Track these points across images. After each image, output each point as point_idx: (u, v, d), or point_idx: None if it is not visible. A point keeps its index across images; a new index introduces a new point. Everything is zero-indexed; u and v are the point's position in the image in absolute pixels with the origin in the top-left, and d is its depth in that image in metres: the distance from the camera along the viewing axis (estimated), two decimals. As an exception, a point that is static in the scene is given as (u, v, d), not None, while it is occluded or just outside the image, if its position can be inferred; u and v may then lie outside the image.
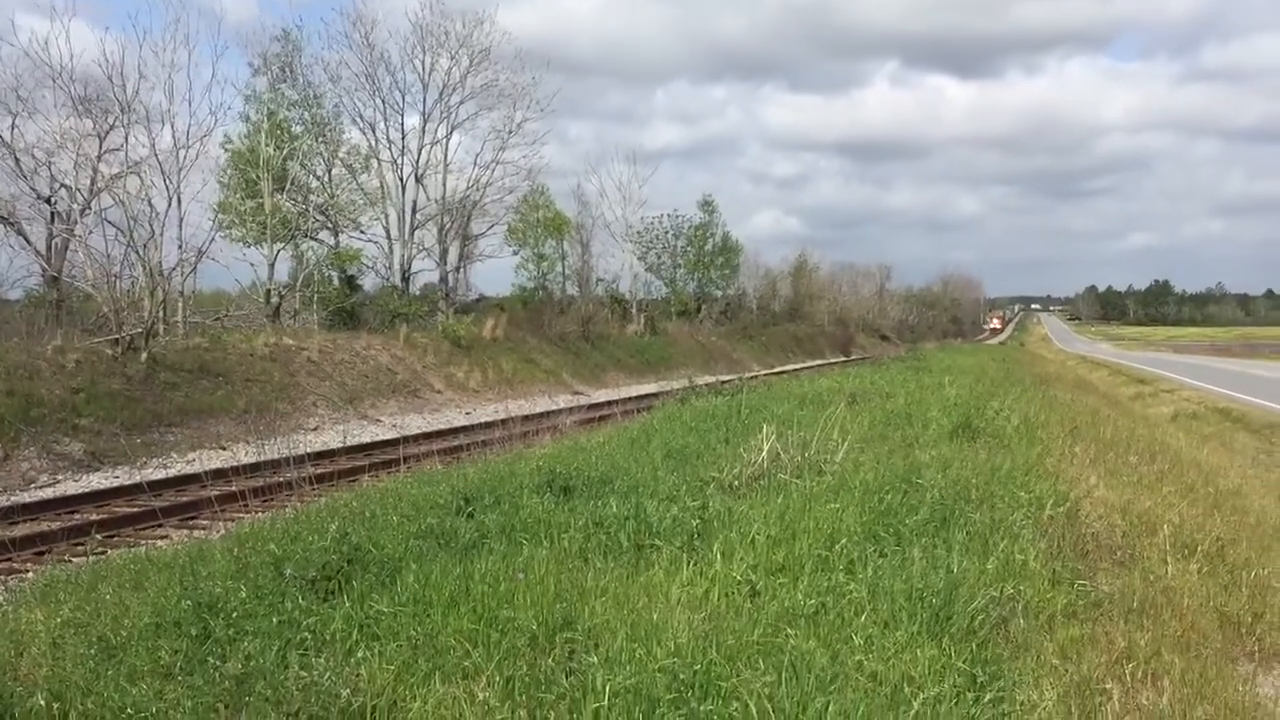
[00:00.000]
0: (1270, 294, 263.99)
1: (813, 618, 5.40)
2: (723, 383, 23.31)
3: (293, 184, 34.77)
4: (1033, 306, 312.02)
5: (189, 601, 5.56)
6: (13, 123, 25.15)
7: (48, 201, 25.85)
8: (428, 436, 21.68)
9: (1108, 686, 5.12)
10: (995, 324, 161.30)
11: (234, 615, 5.34)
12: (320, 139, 36.49)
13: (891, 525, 7.00)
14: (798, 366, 52.58)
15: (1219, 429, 23.26)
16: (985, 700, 4.66)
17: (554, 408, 26.62)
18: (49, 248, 26.08)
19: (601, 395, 33.72)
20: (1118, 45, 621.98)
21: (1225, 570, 7.45)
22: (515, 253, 46.12)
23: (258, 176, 32.71)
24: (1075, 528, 7.66)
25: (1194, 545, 7.79)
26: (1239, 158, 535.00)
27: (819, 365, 52.97)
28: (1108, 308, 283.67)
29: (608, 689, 4.43)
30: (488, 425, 21.83)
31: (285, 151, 33.91)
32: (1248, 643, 6.21)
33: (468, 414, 27.80)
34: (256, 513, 10.70)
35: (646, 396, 29.50)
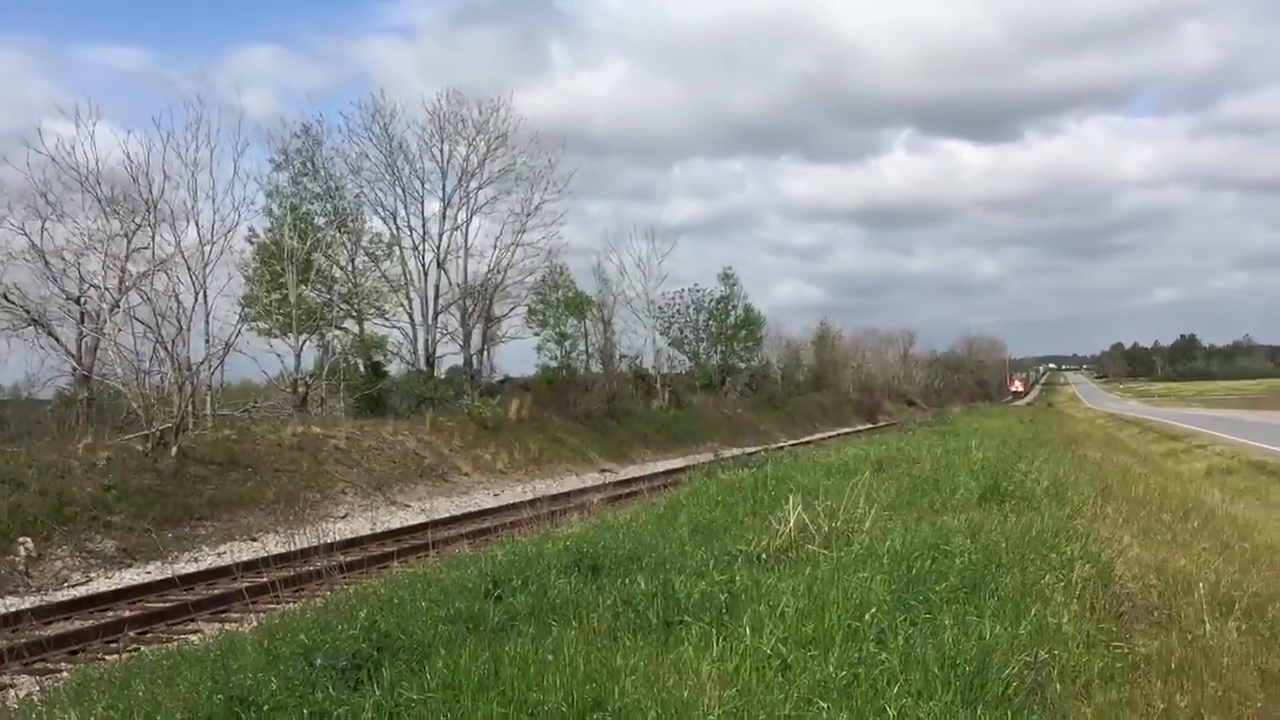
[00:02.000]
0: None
1: (845, 690, 5.35)
2: (749, 455, 23.27)
3: (317, 274, 35.31)
4: (1057, 367, 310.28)
5: (221, 695, 5.56)
6: (42, 226, 25.73)
7: (77, 302, 26.31)
8: (456, 520, 21.70)
9: (1148, 751, 5.05)
10: (1018, 386, 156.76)
11: (265, 708, 5.34)
12: (342, 229, 37.11)
13: (921, 593, 6.95)
14: (824, 435, 52.41)
15: (1254, 483, 22.93)
16: (1023, 769, 4.60)
17: (581, 486, 26.56)
18: (79, 347, 26.49)
19: (629, 472, 33.66)
20: (1135, 102, 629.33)
21: (1265, 627, 7.30)
22: (537, 333, 46.42)
23: (282, 269, 33.25)
24: (1109, 589, 7.57)
25: (1232, 603, 7.66)
26: (1260, 209, 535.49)
27: (845, 433, 52.79)
28: (1135, 365, 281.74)
29: (640, 770, 4.41)
30: (515, 506, 21.84)
31: (309, 243, 34.47)
32: (1291, 701, 6.09)
33: (496, 495, 27.81)
34: (287, 603, 10.72)
35: (674, 471, 29.44)
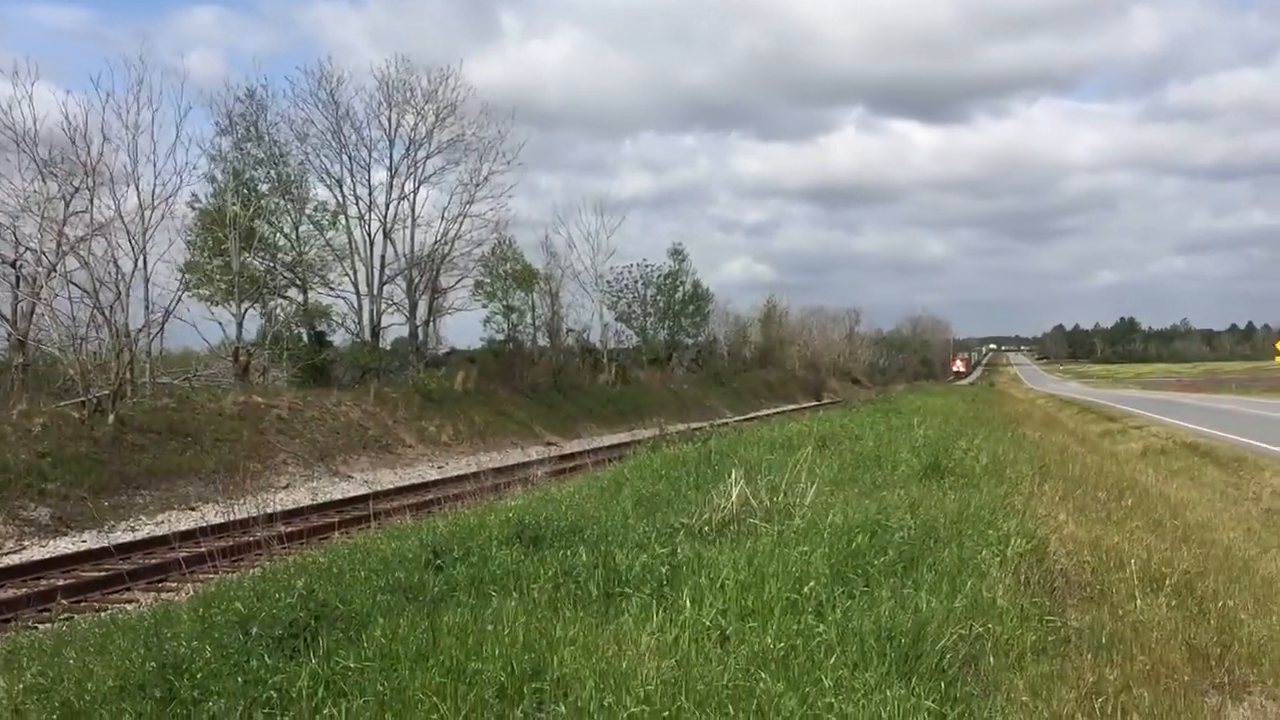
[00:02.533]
0: (1234, 329, 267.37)
1: (783, 661, 5.38)
2: (694, 430, 23.34)
3: (260, 242, 34.74)
4: (1003, 347, 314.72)
5: (154, 663, 5.49)
6: (-25, 188, 25.03)
7: (13, 265, 25.65)
8: (399, 491, 21.58)
9: (1078, 722, 5.13)
10: (959, 366, 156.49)
11: (199, 676, 5.28)
12: (287, 196, 36.49)
13: (860, 566, 7.01)
14: (769, 412, 52.70)
15: (1187, 464, 23.41)
16: (955, 739, 4.66)
17: (526, 459, 26.57)
18: (14, 312, 25.84)
19: (574, 446, 33.66)
20: (1082, 86, 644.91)
21: (1194, 603, 7.46)
22: (484, 305, 46.16)
23: (225, 235, 32.68)
24: (1043, 564, 7.69)
25: (1162, 579, 7.81)
26: (1202, 195, 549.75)
27: (790, 410, 53.11)
28: (1075, 346, 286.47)
29: (576, 739, 4.41)
30: (459, 478, 21.71)
31: (252, 210, 33.91)
32: (1216, 674, 6.21)
33: (439, 468, 27.68)
34: (225, 573, 10.60)
35: (619, 446, 29.48)
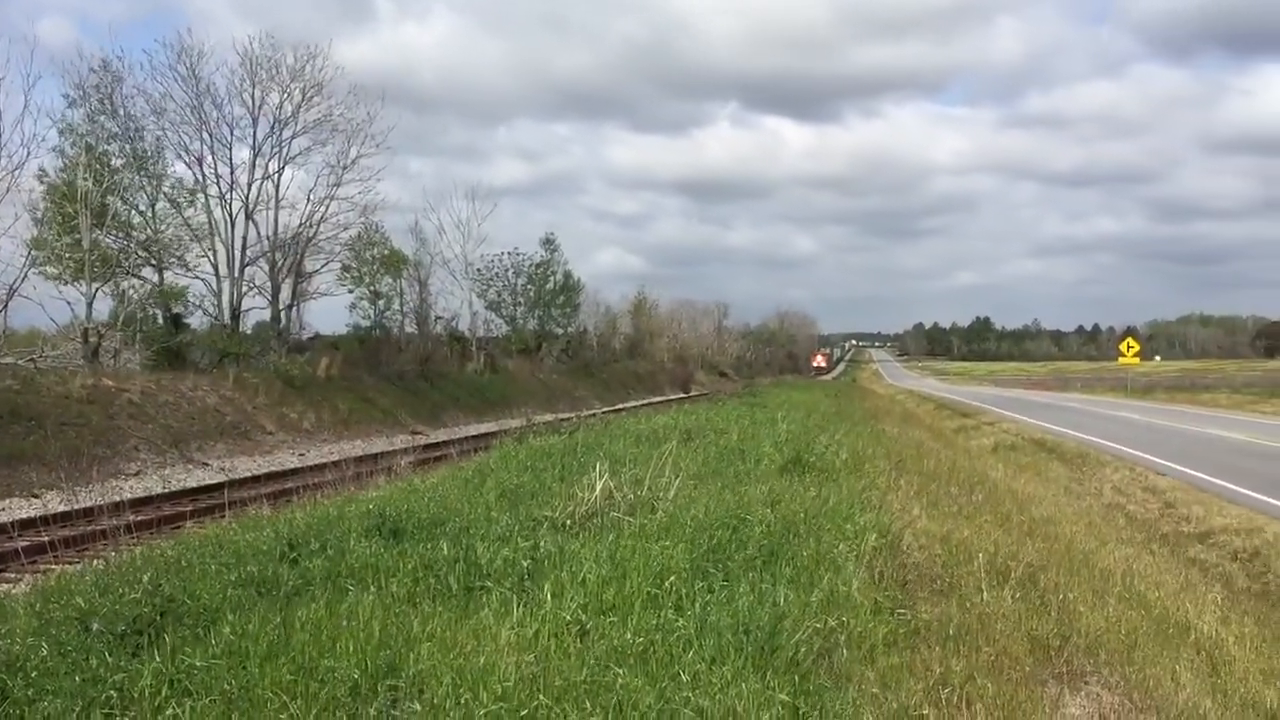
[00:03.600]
0: (1081, 330, 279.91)
1: (641, 655, 5.39)
2: (562, 421, 23.31)
3: (113, 219, 33.36)
4: (858, 344, 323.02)
5: (-15, 662, 5.22)
6: None
7: None
8: (257, 480, 21.01)
9: (925, 713, 5.27)
10: (820, 361, 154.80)
11: (34, 675, 5.04)
12: (142, 172, 35.11)
13: (720, 561, 7.07)
14: (638, 403, 52.98)
15: (1035, 459, 24.40)
16: (807, 731, 4.73)
17: (390, 448, 26.17)
18: None
19: (440, 435, 33.29)
20: (948, 90, 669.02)
21: (1036, 595, 7.73)
22: (351, 290, 45.28)
23: (75, 211, 31.28)
24: (897, 558, 7.88)
25: (1008, 572, 8.06)
26: (1055, 201, 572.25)
27: (659, 402, 53.50)
28: (934, 344, 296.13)
29: (431, 737, 4.34)
30: (320, 467, 21.30)
31: (104, 185, 32.52)
32: (1056, 664, 6.44)
33: (301, 455, 27.07)
34: (68, 564, 10.17)
35: (486, 435, 29.27)
